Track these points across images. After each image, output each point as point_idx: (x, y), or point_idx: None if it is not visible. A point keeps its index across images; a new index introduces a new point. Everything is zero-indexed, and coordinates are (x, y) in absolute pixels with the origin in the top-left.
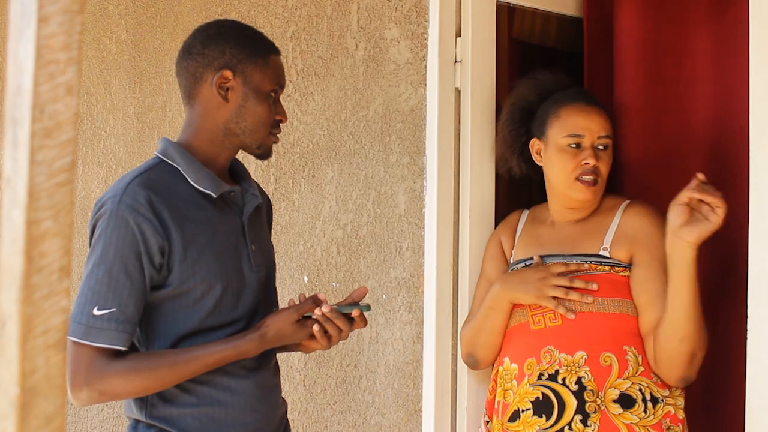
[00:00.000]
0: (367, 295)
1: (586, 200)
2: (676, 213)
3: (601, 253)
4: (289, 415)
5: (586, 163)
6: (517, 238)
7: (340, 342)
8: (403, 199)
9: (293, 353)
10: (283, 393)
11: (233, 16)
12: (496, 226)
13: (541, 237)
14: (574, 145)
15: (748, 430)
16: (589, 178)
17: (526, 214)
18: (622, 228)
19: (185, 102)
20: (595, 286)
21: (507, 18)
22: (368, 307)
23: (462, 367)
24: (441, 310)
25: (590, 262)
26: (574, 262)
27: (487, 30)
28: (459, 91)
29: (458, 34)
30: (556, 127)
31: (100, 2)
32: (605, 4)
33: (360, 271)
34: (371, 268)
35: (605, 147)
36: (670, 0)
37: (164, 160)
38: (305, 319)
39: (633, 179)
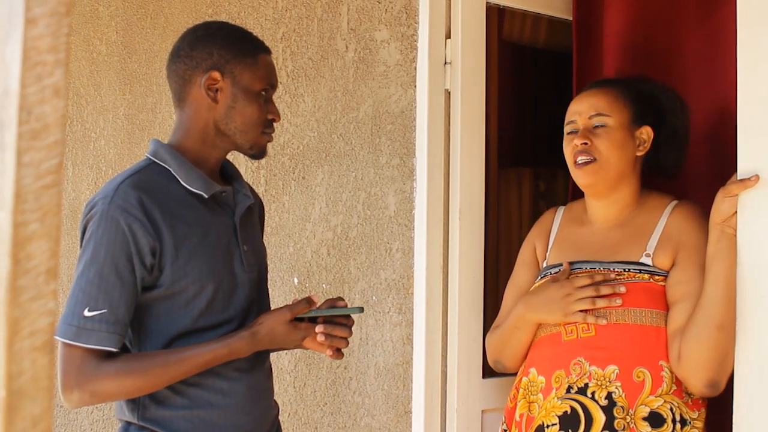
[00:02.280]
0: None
1: (586, 184)
2: (729, 204)
3: (643, 260)
4: (279, 417)
5: (576, 145)
6: (552, 240)
7: None
8: (393, 201)
9: (283, 353)
10: (274, 395)
11: (223, 18)
12: (485, 226)
13: (578, 240)
14: (570, 131)
15: (735, 430)
16: (581, 159)
17: (561, 212)
18: (667, 232)
19: (175, 104)
20: (623, 289)
21: (497, 19)
22: (361, 309)
23: (452, 368)
24: (431, 311)
25: (629, 270)
26: (601, 269)
27: (476, 31)
28: (449, 93)
29: (448, 36)
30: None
31: (90, 3)
32: (594, 6)
33: (350, 272)
34: (361, 269)
35: (602, 125)
36: (658, 2)
37: (155, 162)
38: (298, 321)
39: None
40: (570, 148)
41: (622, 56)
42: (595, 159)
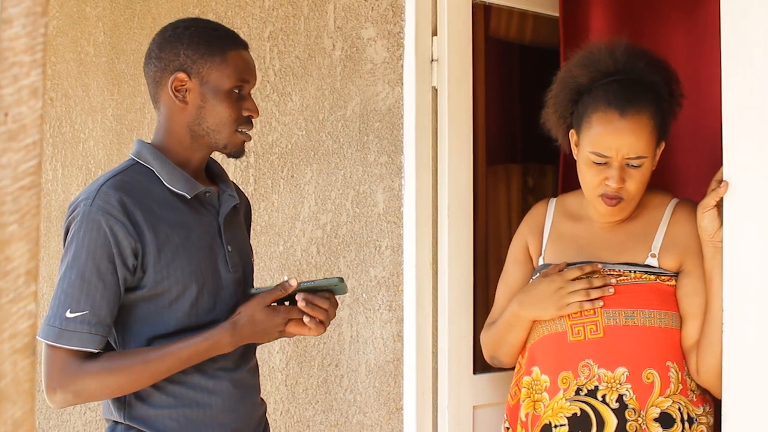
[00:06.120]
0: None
1: (609, 216)
2: (709, 218)
3: (649, 261)
4: (271, 415)
5: (607, 186)
6: (546, 236)
7: (321, 341)
8: (381, 198)
9: (274, 351)
10: (264, 393)
11: (210, 17)
12: (474, 223)
13: (578, 238)
14: (600, 162)
15: (724, 427)
16: (611, 199)
17: (553, 204)
18: (672, 233)
19: (153, 106)
20: (611, 291)
21: (483, 16)
22: (341, 279)
23: (442, 365)
24: (421, 308)
25: (635, 271)
26: (599, 266)
27: (463, 28)
28: (436, 90)
29: (434, 33)
30: (586, 137)
31: (77, 5)
32: (580, 2)
33: (340, 270)
34: (351, 267)
35: (638, 165)
36: None
37: (138, 162)
38: (278, 305)
39: None
40: (599, 179)
41: None
42: (623, 198)
